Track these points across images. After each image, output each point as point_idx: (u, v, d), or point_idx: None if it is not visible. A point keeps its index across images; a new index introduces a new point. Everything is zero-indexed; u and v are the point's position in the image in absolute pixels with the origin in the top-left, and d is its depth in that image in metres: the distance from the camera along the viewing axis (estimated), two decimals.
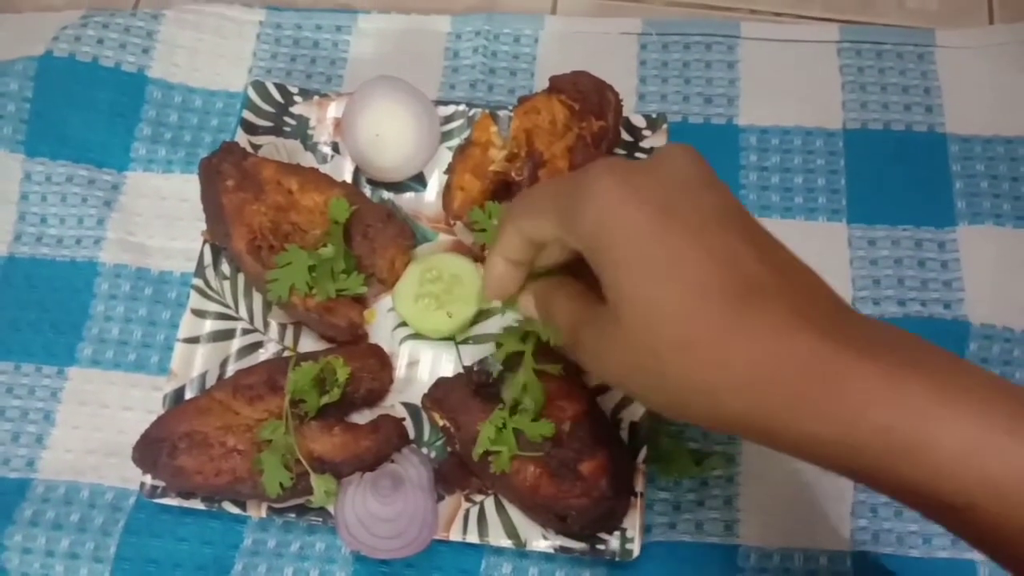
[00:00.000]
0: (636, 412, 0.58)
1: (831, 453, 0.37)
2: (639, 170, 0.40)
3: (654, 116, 0.65)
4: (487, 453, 0.54)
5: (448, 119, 0.66)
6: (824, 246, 0.64)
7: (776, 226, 0.64)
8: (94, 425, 0.62)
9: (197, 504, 0.56)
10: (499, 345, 0.57)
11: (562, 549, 0.55)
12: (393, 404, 0.60)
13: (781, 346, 0.36)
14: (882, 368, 0.35)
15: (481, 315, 0.61)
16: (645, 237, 0.38)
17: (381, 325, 0.62)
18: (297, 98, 0.67)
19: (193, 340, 0.60)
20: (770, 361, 0.36)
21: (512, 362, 0.56)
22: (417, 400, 0.59)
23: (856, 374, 0.36)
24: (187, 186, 0.65)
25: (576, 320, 0.44)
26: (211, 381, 0.59)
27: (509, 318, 0.59)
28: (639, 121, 0.65)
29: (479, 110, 0.66)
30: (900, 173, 0.66)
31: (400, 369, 0.61)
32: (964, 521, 0.36)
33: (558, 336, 0.47)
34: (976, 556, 0.56)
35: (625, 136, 0.65)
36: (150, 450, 0.55)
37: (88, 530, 0.58)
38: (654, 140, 0.65)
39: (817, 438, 0.36)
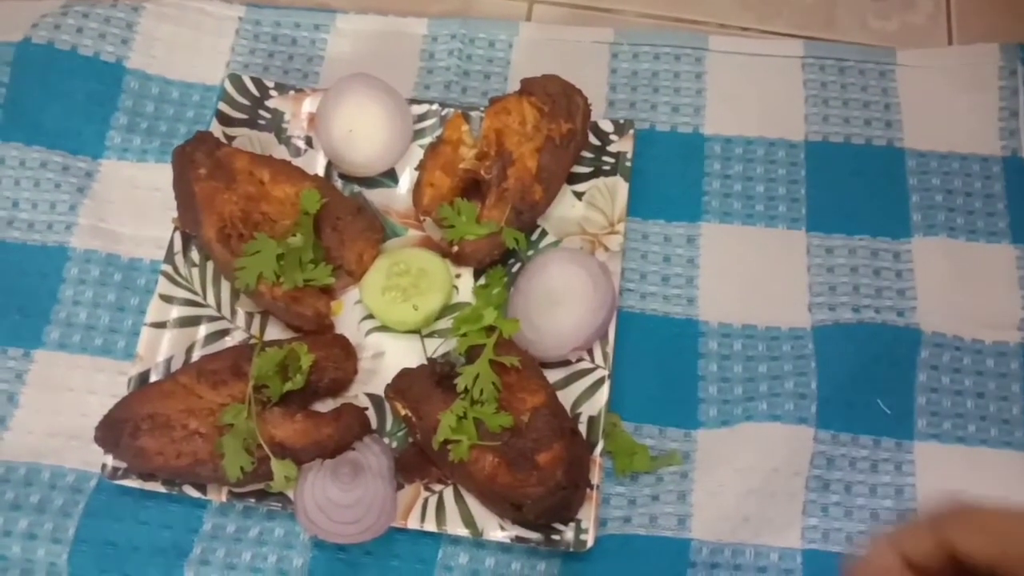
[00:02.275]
0: (595, 406, 0.59)
1: None
2: None
3: (622, 122, 0.67)
4: (447, 442, 0.55)
5: (421, 117, 0.67)
6: (783, 253, 0.66)
7: (737, 232, 0.68)
8: (58, 408, 0.62)
9: (158, 487, 0.57)
10: (463, 336, 0.58)
11: (518, 539, 0.56)
12: (357, 394, 0.61)
13: None
14: None
15: (446, 309, 0.63)
16: None
17: (348, 317, 0.63)
18: (273, 92, 0.68)
19: (160, 325, 0.61)
20: None
21: (474, 354, 0.57)
22: (380, 391, 0.60)
23: None
24: (161, 176, 0.66)
25: None
26: (176, 366, 0.60)
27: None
28: (607, 126, 0.67)
29: (451, 110, 0.67)
30: (859, 185, 0.68)
31: (365, 360, 0.62)
32: None
33: None
34: None
35: (593, 140, 0.67)
36: (112, 430, 0.55)
37: (47, 511, 0.58)
38: (621, 145, 0.66)
39: None
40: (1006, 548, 0.39)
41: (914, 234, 0.67)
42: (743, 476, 0.59)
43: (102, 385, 0.62)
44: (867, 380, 0.62)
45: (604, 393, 0.59)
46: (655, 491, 0.59)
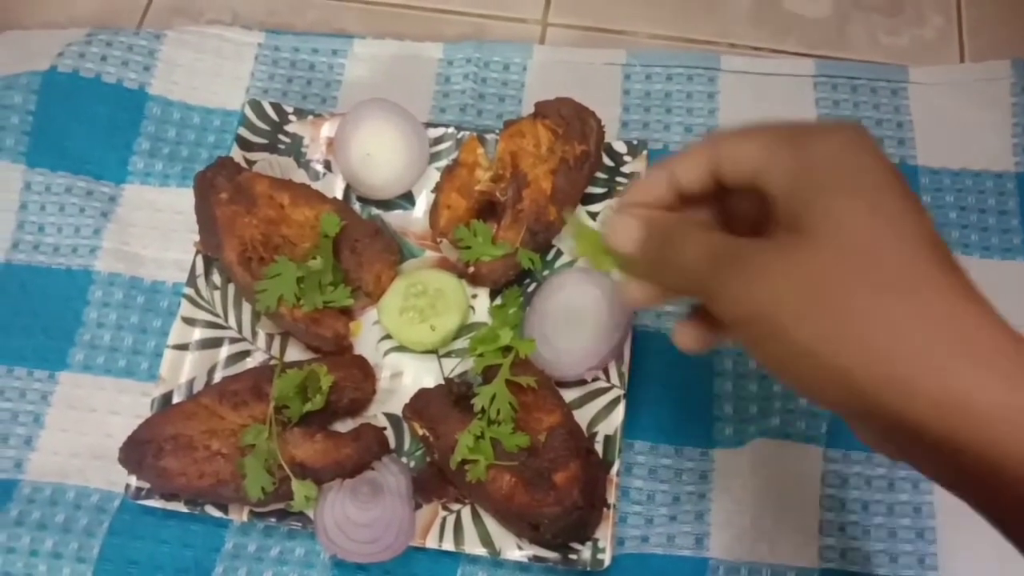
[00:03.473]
0: (611, 426, 0.59)
1: (969, 420, 0.35)
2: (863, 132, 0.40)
3: (635, 142, 0.68)
4: (464, 462, 0.55)
5: (437, 141, 0.69)
6: None
7: None
8: (82, 429, 0.63)
9: (180, 507, 0.58)
10: (479, 357, 0.58)
11: (535, 559, 0.56)
12: (375, 414, 0.62)
13: (977, 315, 0.36)
14: None
15: (463, 329, 0.63)
16: (879, 181, 0.38)
17: (366, 337, 0.64)
18: (292, 117, 0.69)
19: (182, 347, 0.62)
20: (968, 325, 0.36)
21: (490, 374, 0.58)
22: (399, 411, 0.60)
23: None
24: (182, 199, 0.67)
25: (718, 253, 0.41)
26: (199, 387, 0.61)
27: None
28: (620, 147, 0.68)
29: (467, 133, 0.68)
30: None
31: (383, 380, 0.63)
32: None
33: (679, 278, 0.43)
34: None
35: (607, 161, 0.67)
36: (136, 451, 0.56)
37: (72, 531, 0.59)
38: (634, 165, 0.67)
39: (965, 394, 0.35)
40: (768, 156, 0.41)
41: None
42: (759, 495, 0.59)
43: (125, 406, 0.63)
44: None
45: (620, 413, 0.59)
46: (672, 511, 0.59)
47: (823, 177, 0.39)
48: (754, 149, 0.42)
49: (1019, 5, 0.77)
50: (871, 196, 0.38)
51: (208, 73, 0.74)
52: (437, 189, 0.66)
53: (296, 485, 0.55)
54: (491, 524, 0.57)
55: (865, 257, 0.37)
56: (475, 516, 0.58)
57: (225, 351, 0.63)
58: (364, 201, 0.68)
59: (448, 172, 0.66)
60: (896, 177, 0.39)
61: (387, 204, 0.68)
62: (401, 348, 0.63)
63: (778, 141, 0.41)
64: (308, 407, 0.57)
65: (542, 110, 0.66)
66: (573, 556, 0.56)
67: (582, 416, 0.59)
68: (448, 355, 0.63)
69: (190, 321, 0.62)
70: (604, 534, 0.56)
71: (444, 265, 0.65)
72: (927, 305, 0.36)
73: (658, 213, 0.45)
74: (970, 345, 0.36)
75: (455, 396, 0.58)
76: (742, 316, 0.39)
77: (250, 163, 0.67)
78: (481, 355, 0.59)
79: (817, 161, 0.39)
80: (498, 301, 0.64)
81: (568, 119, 0.65)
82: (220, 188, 0.62)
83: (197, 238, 0.64)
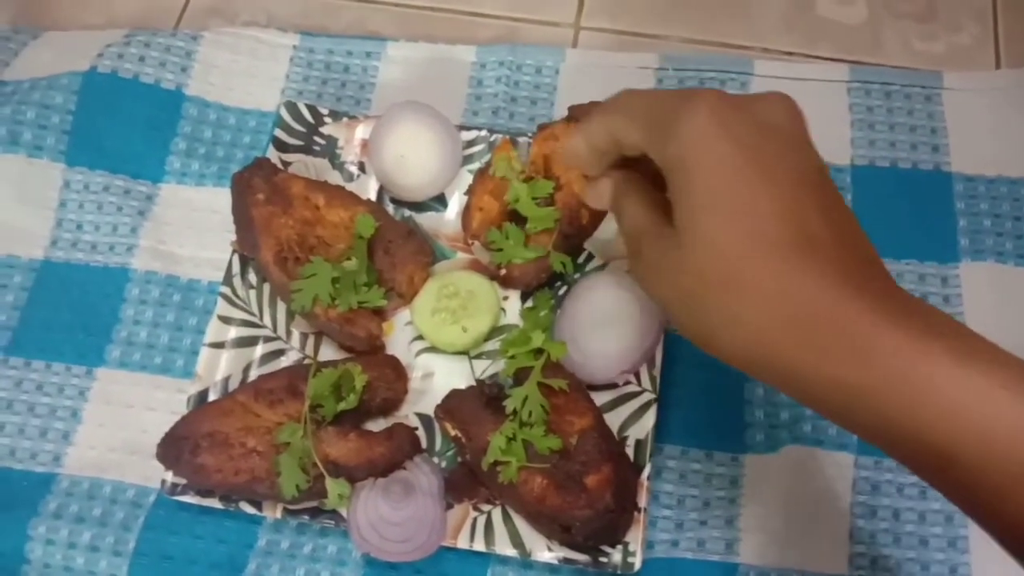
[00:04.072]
0: (642, 430, 0.59)
1: (841, 398, 0.40)
2: (738, 107, 0.42)
3: None
4: (496, 463, 0.56)
5: (470, 143, 0.69)
6: None
7: None
8: (119, 424, 0.64)
9: (214, 503, 0.58)
10: (511, 359, 0.59)
11: (566, 560, 0.56)
12: (407, 414, 0.62)
13: (821, 295, 0.40)
14: (911, 332, 0.39)
15: (495, 331, 0.64)
16: (727, 176, 0.41)
17: (398, 337, 0.64)
18: (327, 119, 0.70)
19: (218, 345, 0.63)
20: (809, 307, 0.40)
21: (521, 376, 0.58)
22: (430, 411, 0.61)
23: (886, 332, 0.39)
24: (218, 199, 0.68)
25: (643, 230, 0.46)
26: (234, 385, 0.62)
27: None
28: None
29: (499, 135, 0.69)
30: (906, 209, 0.68)
31: (415, 380, 0.63)
32: (945, 473, 0.39)
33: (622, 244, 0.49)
34: None
35: None
36: (173, 447, 0.57)
37: (109, 524, 0.60)
38: None
39: (834, 381, 0.39)
40: (648, 142, 0.44)
41: (962, 259, 0.66)
42: (789, 501, 0.59)
43: (161, 402, 0.64)
44: None
45: (651, 417, 0.60)
46: (703, 515, 0.59)
47: (687, 177, 0.42)
48: (635, 132, 0.45)
49: None
50: (728, 203, 0.41)
51: (244, 74, 0.75)
52: (469, 191, 0.67)
53: (330, 483, 0.56)
54: (521, 525, 0.58)
55: (723, 272, 0.41)
56: (506, 517, 0.58)
57: (260, 350, 0.63)
58: (397, 203, 0.69)
59: (480, 175, 0.67)
60: (756, 159, 0.41)
61: (420, 206, 0.68)
62: (432, 349, 0.64)
63: (652, 123, 0.43)
64: (342, 406, 0.58)
65: (576, 113, 0.66)
66: (603, 559, 0.56)
67: (613, 420, 0.60)
68: (479, 356, 0.64)
69: (226, 320, 0.63)
70: (634, 537, 0.56)
71: (476, 267, 0.66)
72: (755, 291, 0.40)
73: (614, 176, 0.49)
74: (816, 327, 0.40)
75: (487, 397, 0.59)
76: (650, 296, 0.47)
77: (285, 164, 0.68)
78: (513, 357, 0.59)
79: (683, 152, 0.42)
80: (529, 303, 0.64)
81: None
82: (257, 189, 0.62)
83: (233, 237, 0.64)
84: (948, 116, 0.71)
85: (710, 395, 0.63)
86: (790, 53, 0.76)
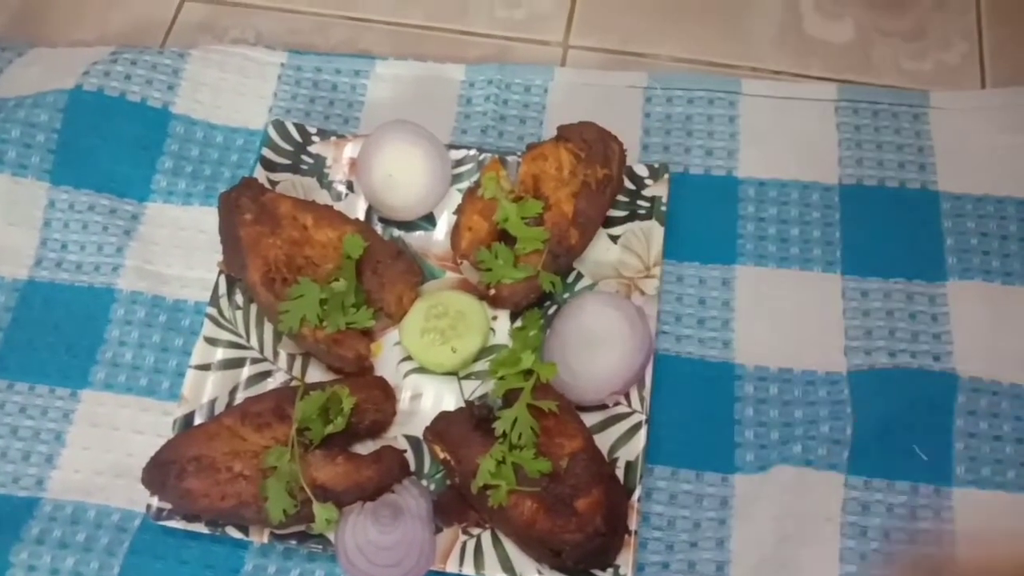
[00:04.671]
0: (632, 451, 0.59)
1: None
2: None
3: (656, 166, 0.68)
4: (486, 486, 0.55)
5: (459, 163, 0.69)
6: (819, 296, 0.66)
7: (773, 275, 0.68)
8: (104, 447, 0.63)
9: (201, 528, 0.58)
10: (500, 379, 0.59)
11: None
12: (396, 436, 0.62)
13: None
14: None
15: (484, 351, 0.63)
16: None
17: (387, 358, 0.64)
18: (315, 138, 0.70)
19: (204, 367, 0.62)
20: None
21: (511, 397, 0.58)
22: (419, 433, 0.60)
23: None
24: (205, 218, 0.68)
25: None
26: (220, 408, 0.61)
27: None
28: (642, 170, 0.68)
29: (489, 155, 0.68)
30: (894, 227, 0.69)
31: (404, 402, 0.63)
32: None
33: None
34: None
35: (628, 184, 0.67)
36: (159, 472, 0.56)
37: (93, 550, 0.59)
38: (656, 189, 0.67)
39: None
40: None
41: (950, 277, 0.67)
42: (779, 521, 0.59)
43: (147, 425, 0.63)
44: (904, 426, 0.61)
45: (641, 438, 0.59)
46: (693, 537, 0.59)
47: None
48: None
49: None
50: None
51: (231, 92, 0.75)
52: (459, 211, 0.66)
53: (317, 508, 0.55)
54: (511, 549, 0.57)
55: None
56: (495, 541, 0.57)
57: (247, 371, 0.63)
58: (386, 222, 0.68)
59: (470, 194, 0.66)
60: None
61: (409, 225, 0.68)
62: (421, 369, 0.63)
63: None
64: (330, 429, 0.57)
65: (565, 133, 0.66)
66: None
67: (603, 441, 0.59)
68: (468, 377, 0.63)
69: (212, 341, 0.63)
70: (625, 560, 0.56)
71: (465, 287, 0.66)
72: None
73: None
74: None
75: (476, 419, 0.58)
76: None
77: (273, 183, 0.67)
78: (502, 378, 0.59)
79: None
80: (518, 323, 0.64)
81: (591, 143, 0.65)
82: (245, 209, 0.62)
83: (220, 257, 0.64)
84: (935, 135, 0.72)
85: (700, 415, 0.63)
86: (779, 72, 0.77)
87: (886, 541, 0.59)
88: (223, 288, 0.64)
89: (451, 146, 0.69)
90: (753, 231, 0.69)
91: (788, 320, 0.66)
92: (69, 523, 0.61)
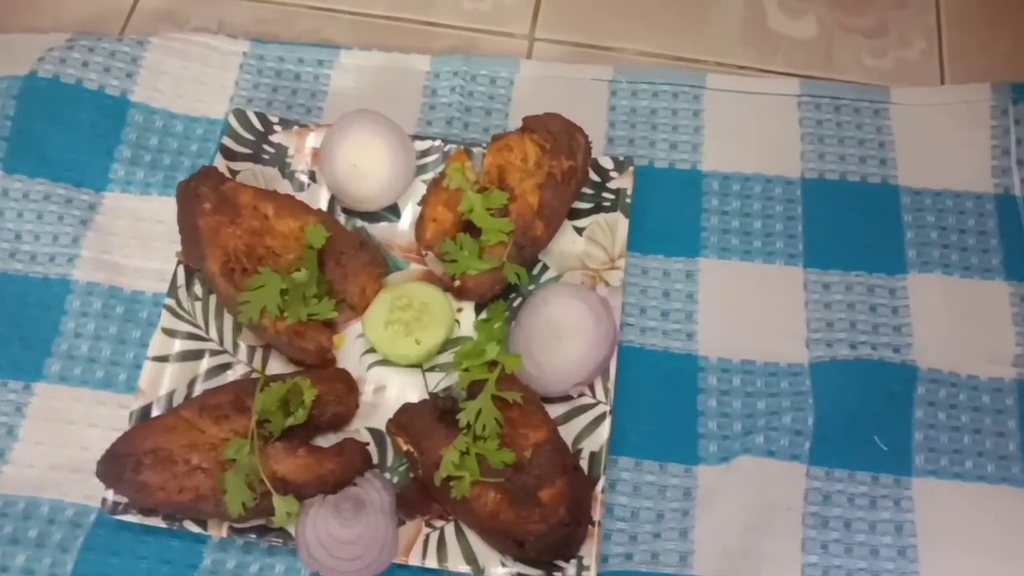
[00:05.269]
0: (596, 442, 0.59)
1: None
2: None
3: (621, 158, 0.68)
4: (449, 478, 0.55)
5: (424, 153, 0.68)
6: (781, 289, 0.67)
7: (736, 268, 0.69)
8: (59, 441, 0.62)
9: (158, 522, 0.56)
10: (465, 371, 0.58)
11: None
12: (358, 428, 0.61)
13: None
14: None
15: (449, 343, 0.63)
16: None
17: (350, 351, 0.63)
18: (277, 127, 0.69)
19: (162, 359, 0.61)
20: None
21: (475, 389, 0.58)
22: (382, 425, 0.60)
23: None
24: (164, 208, 0.66)
25: None
26: (178, 400, 0.60)
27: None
28: (607, 163, 0.68)
29: (454, 146, 0.68)
30: (855, 221, 0.69)
31: (367, 394, 0.62)
32: None
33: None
34: None
35: (593, 176, 0.67)
36: (114, 465, 0.55)
37: (46, 546, 0.58)
38: (621, 181, 0.67)
39: None
40: None
41: (909, 270, 0.68)
42: (742, 512, 0.59)
43: (103, 418, 0.62)
44: (864, 417, 0.62)
45: (606, 429, 0.59)
46: (657, 528, 0.59)
47: None
48: None
49: (997, 30, 0.79)
50: None
51: (192, 81, 0.73)
52: (423, 202, 0.66)
53: (277, 501, 0.55)
54: (475, 541, 0.57)
55: None
56: (459, 533, 0.57)
57: (206, 363, 0.62)
58: (349, 213, 0.67)
59: (434, 185, 0.66)
60: None
61: (372, 216, 0.67)
62: (385, 362, 0.63)
63: None
64: (290, 421, 0.57)
65: (530, 125, 0.66)
66: (558, 574, 0.55)
67: (567, 432, 0.59)
68: (432, 369, 0.63)
69: (170, 332, 0.62)
70: (589, 551, 0.56)
71: (430, 278, 0.65)
72: None
73: None
74: None
75: (440, 411, 0.58)
76: None
77: (233, 173, 0.66)
78: (467, 370, 0.59)
79: None
80: (483, 315, 0.64)
81: (556, 134, 0.65)
82: (204, 198, 0.61)
83: (179, 248, 0.63)
84: (896, 130, 0.73)
85: (664, 407, 0.63)
86: (743, 67, 0.77)
87: (847, 531, 0.59)
88: (181, 279, 0.63)
89: (416, 137, 0.68)
90: (717, 224, 0.69)
91: (751, 312, 0.66)
92: (21, 519, 0.59)
